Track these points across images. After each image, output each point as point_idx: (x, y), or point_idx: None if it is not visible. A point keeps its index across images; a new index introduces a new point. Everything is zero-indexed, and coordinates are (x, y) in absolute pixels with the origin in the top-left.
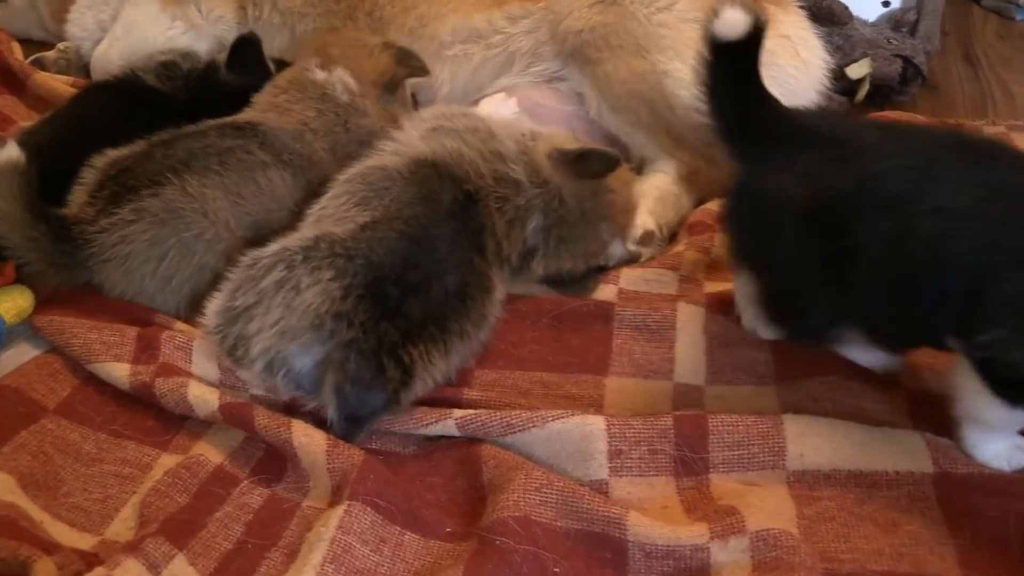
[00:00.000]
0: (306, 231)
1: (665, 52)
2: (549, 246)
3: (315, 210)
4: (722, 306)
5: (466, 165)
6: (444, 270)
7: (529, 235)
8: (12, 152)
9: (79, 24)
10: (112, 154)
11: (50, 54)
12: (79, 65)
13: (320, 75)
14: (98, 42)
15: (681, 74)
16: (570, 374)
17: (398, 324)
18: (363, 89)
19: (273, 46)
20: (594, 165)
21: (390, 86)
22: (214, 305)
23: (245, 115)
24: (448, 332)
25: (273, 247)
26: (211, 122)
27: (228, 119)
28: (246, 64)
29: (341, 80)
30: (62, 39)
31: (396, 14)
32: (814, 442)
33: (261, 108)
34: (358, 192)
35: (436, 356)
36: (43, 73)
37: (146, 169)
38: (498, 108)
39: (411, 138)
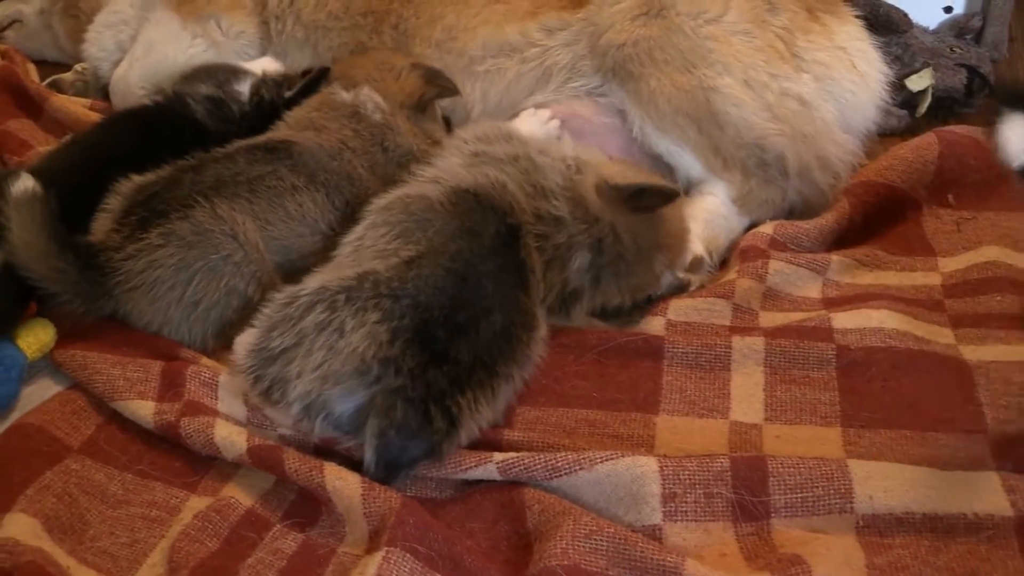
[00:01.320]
0: (345, 267)
1: (713, 67)
2: (599, 285)
3: (351, 239)
4: (780, 338)
5: (508, 197)
6: (491, 309)
7: (572, 275)
8: (27, 182)
9: (97, 44)
10: (138, 179)
11: (67, 76)
12: (97, 87)
13: (346, 96)
14: (117, 63)
15: (730, 90)
16: (618, 412)
17: (447, 370)
18: (393, 109)
19: (295, 62)
20: (651, 201)
21: (419, 107)
22: (246, 343)
23: (280, 133)
24: (495, 376)
25: (311, 284)
26: (241, 143)
27: (261, 138)
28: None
29: (371, 99)
30: (79, 60)
31: (422, 27)
32: (884, 484)
33: (296, 125)
34: (399, 223)
35: (483, 403)
36: (60, 96)
37: (175, 194)
38: (537, 127)
39: (452, 164)
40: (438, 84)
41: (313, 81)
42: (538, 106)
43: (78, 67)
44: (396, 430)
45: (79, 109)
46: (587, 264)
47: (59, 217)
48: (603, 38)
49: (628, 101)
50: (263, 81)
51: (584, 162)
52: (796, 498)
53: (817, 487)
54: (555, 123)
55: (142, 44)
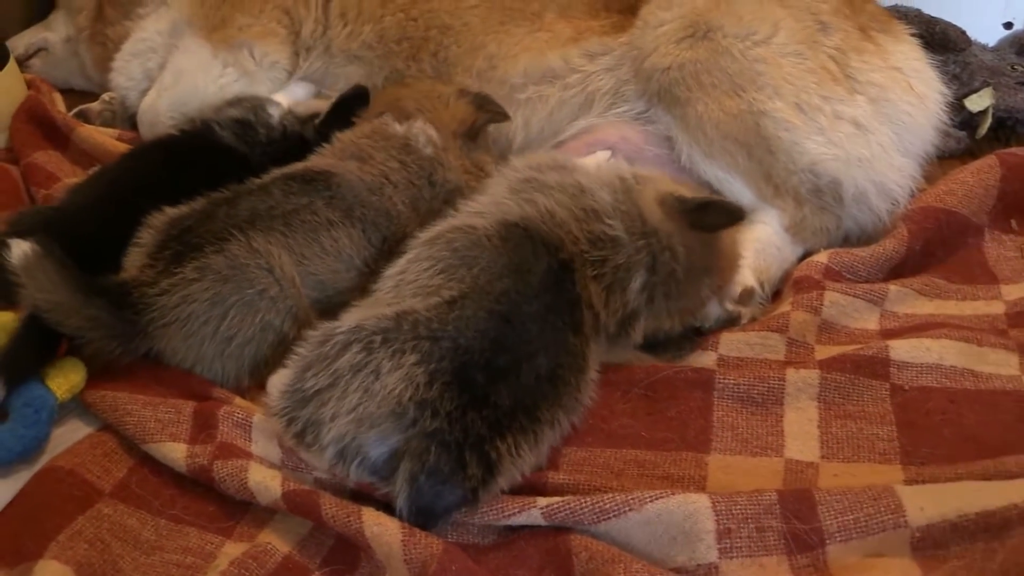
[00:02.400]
0: (384, 303)
1: (763, 90)
2: (652, 305)
3: (393, 273)
4: (836, 372)
5: (559, 229)
6: (535, 351)
7: (631, 297)
8: (22, 247)
9: (124, 73)
10: (171, 212)
11: (94, 105)
12: (125, 116)
13: (399, 128)
14: (145, 92)
15: (781, 114)
16: (668, 451)
17: (486, 415)
18: (445, 141)
19: (329, 92)
20: (716, 218)
21: (471, 134)
22: (280, 383)
23: (321, 161)
24: (539, 422)
25: (347, 322)
26: (277, 173)
27: (299, 167)
28: (350, 120)
29: (424, 132)
30: (106, 89)
31: (462, 55)
32: (933, 496)
33: (342, 150)
34: (443, 258)
35: (524, 449)
36: (87, 126)
37: (209, 228)
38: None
39: (498, 193)
40: (488, 110)
41: (345, 103)
42: (583, 133)
43: (105, 96)
44: (427, 475)
45: (106, 140)
46: (642, 284)
47: (75, 262)
48: (647, 62)
49: (675, 127)
50: (287, 113)
51: (644, 176)
52: (848, 520)
53: (866, 507)
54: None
55: (171, 72)
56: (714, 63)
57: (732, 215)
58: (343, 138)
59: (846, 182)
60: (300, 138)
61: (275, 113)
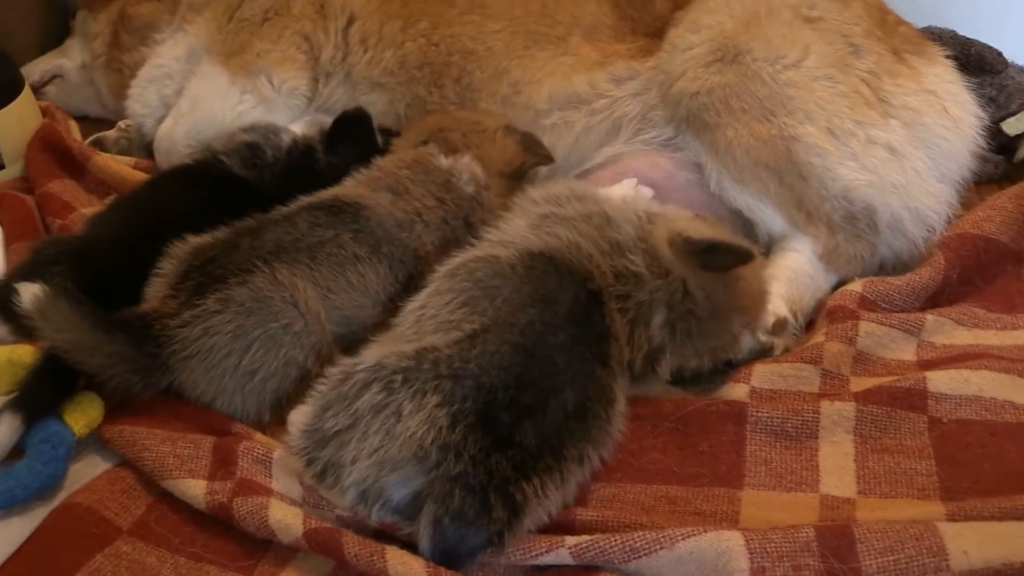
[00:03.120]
0: (405, 339)
1: (794, 115)
2: (675, 342)
3: (414, 307)
4: (872, 405)
5: (585, 260)
6: (561, 385)
7: (655, 332)
8: (31, 290)
9: (141, 100)
10: (194, 242)
11: (110, 133)
12: (141, 144)
13: (445, 162)
14: (161, 119)
15: (813, 139)
16: (700, 487)
17: (511, 455)
18: (488, 180)
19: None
20: (723, 259)
21: (516, 175)
22: (300, 422)
23: (352, 191)
24: (566, 459)
25: (367, 359)
26: (304, 202)
27: (327, 195)
28: (352, 143)
29: (469, 169)
30: (121, 116)
31: (486, 80)
32: (977, 539)
33: (377, 180)
34: (464, 290)
35: (551, 489)
36: (104, 155)
37: (233, 259)
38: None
39: (518, 227)
40: (536, 152)
41: (344, 124)
42: (610, 160)
43: (121, 124)
44: (452, 518)
45: (123, 168)
46: (663, 320)
47: (100, 293)
48: (675, 86)
49: (704, 153)
50: (300, 141)
51: (655, 214)
52: (888, 561)
53: (907, 547)
54: (645, 190)
55: (188, 99)
56: (744, 87)
57: (740, 256)
58: (383, 166)
59: (880, 209)
60: (306, 165)
61: (287, 139)
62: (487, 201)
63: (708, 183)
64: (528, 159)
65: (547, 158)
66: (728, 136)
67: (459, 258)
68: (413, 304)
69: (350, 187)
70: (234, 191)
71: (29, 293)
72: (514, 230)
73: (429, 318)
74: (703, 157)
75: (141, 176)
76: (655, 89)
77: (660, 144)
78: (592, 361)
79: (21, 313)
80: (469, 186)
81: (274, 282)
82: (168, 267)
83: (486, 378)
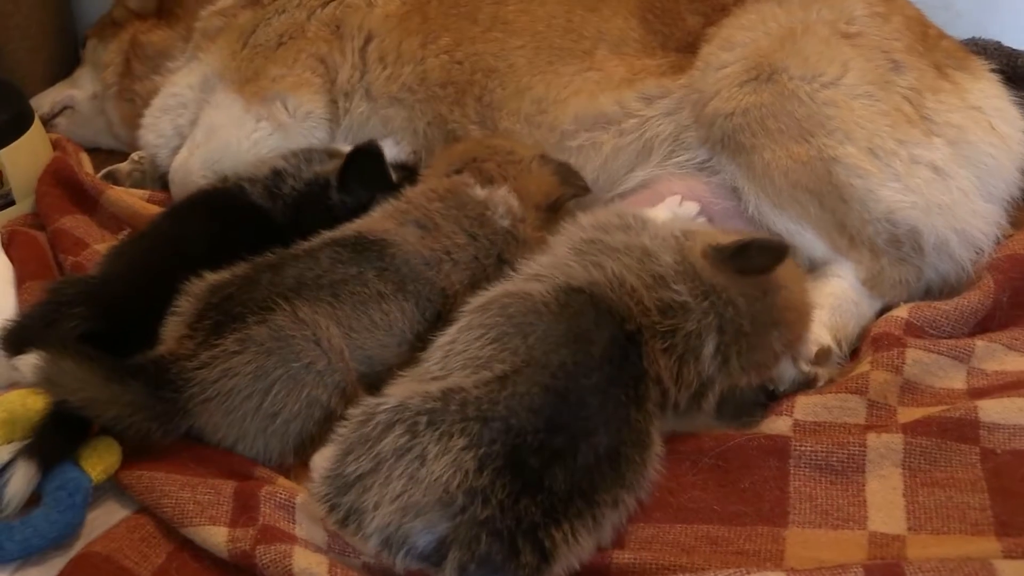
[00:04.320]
0: (431, 376)
1: (833, 135)
2: (728, 366)
3: (443, 343)
4: (922, 437)
5: (628, 297)
6: (594, 428)
7: (705, 365)
8: (30, 360)
9: (154, 130)
10: (211, 278)
11: (123, 166)
12: (155, 176)
13: (481, 193)
14: (176, 150)
15: (853, 160)
16: (742, 526)
17: (540, 500)
18: (524, 212)
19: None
20: (758, 258)
21: (553, 208)
22: (322, 467)
23: (377, 225)
24: (598, 504)
25: (390, 399)
26: (327, 237)
27: (350, 230)
28: (364, 181)
29: (505, 202)
30: (135, 147)
31: (508, 98)
32: None
33: (404, 212)
34: (495, 325)
35: (583, 534)
36: (117, 188)
37: (252, 296)
38: (671, 214)
39: (562, 255)
40: (573, 184)
41: (357, 160)
42: (643, 184)
43: (135, 156)
44: (478, 564)
45: (136, 202)
46: (715, 347)
47: (93, 351)
48: (709, 106)
49: (740, 176)
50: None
51: (691, 231)
52: None
53: None
54: (692, 205)
55: (203, 129)
56: (780, 107)
57: (774, 252)
58: (412, 198)
59: (925, 231)
60: (319, 200)
61: (317, 164)
62: (523, 235)
63: (746, 208)
64: (566, 191)
65: (584, 189)
66: (765, 158)
67: (492, 292)
68: (442, 339)
69: (376, 220)
70: (254, 223)
71: (28, 364)
72: (555, 258)
73: (458, 354)
74: (739, 180)
75: (155, 210)
76: (688, 109)
77: (694, 167)
78: (627, 404)
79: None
80: (505, 220)
81: (295, 320)
82: (185, 305)
83: (515, 420)
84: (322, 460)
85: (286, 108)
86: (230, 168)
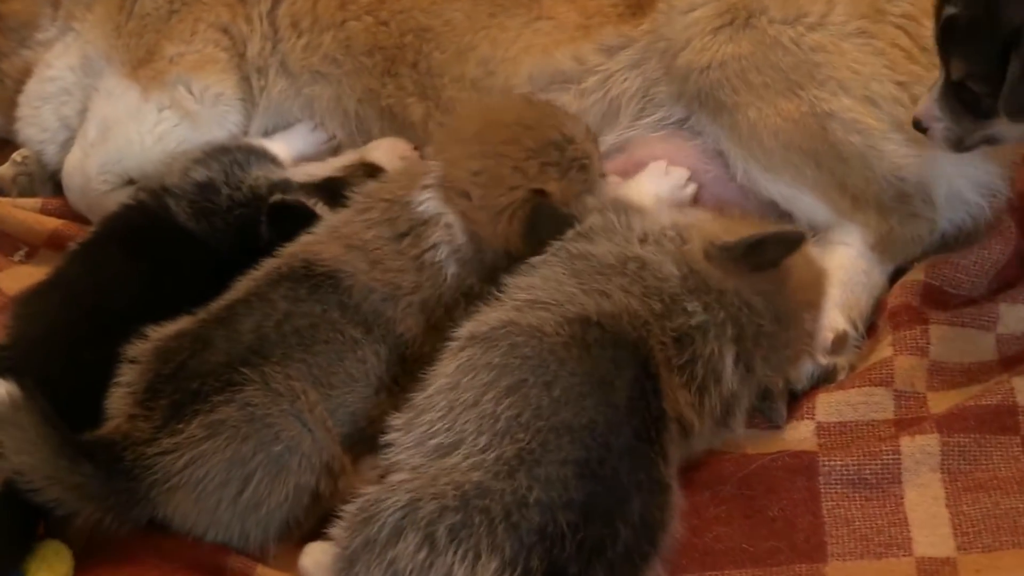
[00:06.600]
0: (439, 437)
1: (825, 86)
2: (754, 374)
3: (444, 386)
4: (959, 435)
5: (642, 328)
6: (627, 499)
7: (727, 383)
8: (5, 386)
9: (35, 123)
10: (155, 339)
11: (5, 170)
12: (45, 177)
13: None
14: (65, 144)
15: (851, 113)
16: (777, 566)
17: None
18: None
19: (286, 124)
20: (774, 252)
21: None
22: (320, 568)
23: (325, 251)
24: None
25: (395, 495)
26: (273, 269)
27: (300, 260)
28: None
29: (449, 236)
30: (9, 134)
31: (449, 62)
32: None
33: (348, 236)
34: (507, 370)
35: None
36: (3, 201)
37: (209, 363)
38: (667, 190)
39: (556, 275)
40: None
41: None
42: (616, 149)
43: (17, 157)
44: None
45: (29, 216)
46: (734, 360)
47: (56, 415)
48: (680, 58)
49: (724, 138)
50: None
51: (685, 227)
52: None
53: None
54: (691, 188)
55: (96, 124)
56: (763, 58)
57: (790, 243)
58: (348, 218)
59: (935, 181)
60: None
61: (254, 171)
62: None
63: (734, 174)
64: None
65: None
66: (751, 117)
67: (488, 317)
68: (440, 380)
69: (321, 241)
70: (187, 254)
71: (2, 390)
72: (551, 282)
73: (466, 406)
74: (723, 143)
75: (54, 224)
76: (655, 59)
77: (671, 127)
78: (654, 459)
79: None
80: (450, 265)
81: (267, 392)
82: (130, 375)
83: (551, 526)
84: (315, 566)
85: (191, 92)
86: (135, 169)
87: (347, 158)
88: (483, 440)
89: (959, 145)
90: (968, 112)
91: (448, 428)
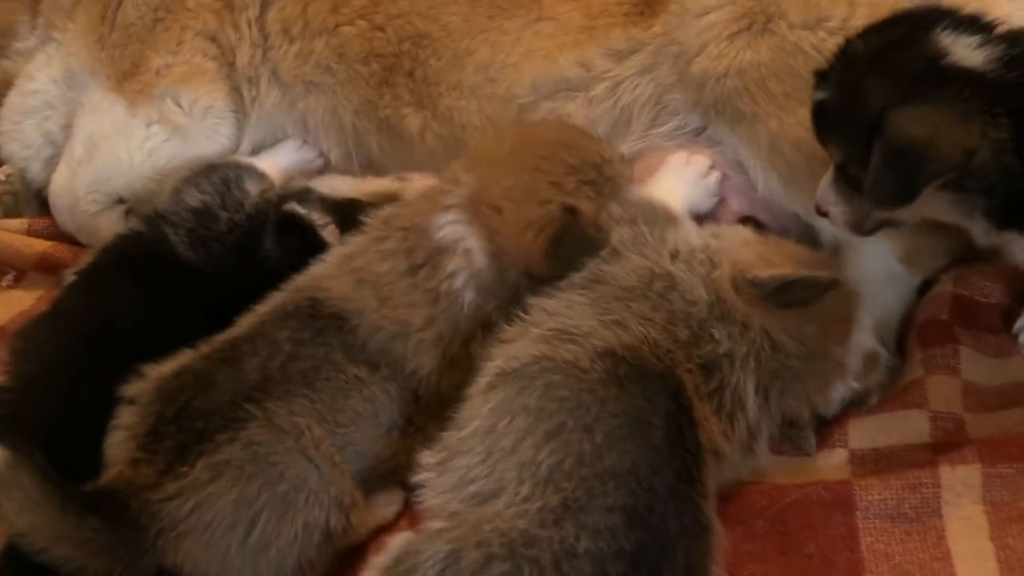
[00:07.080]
0: (474, 474)
1: None
2: (768, 406)
3: (480, 429)
4: (1001, 464)
5: (668, 357)
6: (673, 546)
7: (751, 411)
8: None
9: (17, 139)
10: (154, 377)
11: None
12: (30, 196)
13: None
14: (50, 160)
15: None
16: None
17: None
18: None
19: (279, 137)
20: (804, 294)
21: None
22: None
23: (333, 286)
24: None
25: (437, 543)
26: (278, 306)
27: (306, 296)
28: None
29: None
30: None
31: (446, 69)
32: None
33: (358, 270)
34: (546, 414)
35: None
36: None
37: (213, 403)
38: (691, 186)
39: (574, 304)
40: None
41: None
42: (631, 159)
43: (0, 175)
44: None
45: (16, 239)
46: (755, 387)
47: (54, 471)
48: (695, 65)
49: (743, 149)
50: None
51: (717, 251)
52: None
53: None
54: (714, 176)
55: (82, 140)
56: (783, 65)
57: (820, 288)
58: (358, 250)
59: None
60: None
61: (252, 190)
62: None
63: (755, 185)
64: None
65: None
66: (771, 128)
67: (518, 351)
68: (474, 421)
69: (328, 276)
70: (188, 288)
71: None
72: (574, 309)
73: (504, 453)
74: (743, 154)
75: (42, 246)
76: (667, 64)
77: (688, 136)
78: (697, 500)
79: None
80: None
81: (271, 429)
82: (131, 417)
83: None
84: None
85: (179, 105)
86: (124, 187)
87: (379, 184)
88: (525, 489)
89: (859, 228)
90: (859, 195)
91: (487, 475)
